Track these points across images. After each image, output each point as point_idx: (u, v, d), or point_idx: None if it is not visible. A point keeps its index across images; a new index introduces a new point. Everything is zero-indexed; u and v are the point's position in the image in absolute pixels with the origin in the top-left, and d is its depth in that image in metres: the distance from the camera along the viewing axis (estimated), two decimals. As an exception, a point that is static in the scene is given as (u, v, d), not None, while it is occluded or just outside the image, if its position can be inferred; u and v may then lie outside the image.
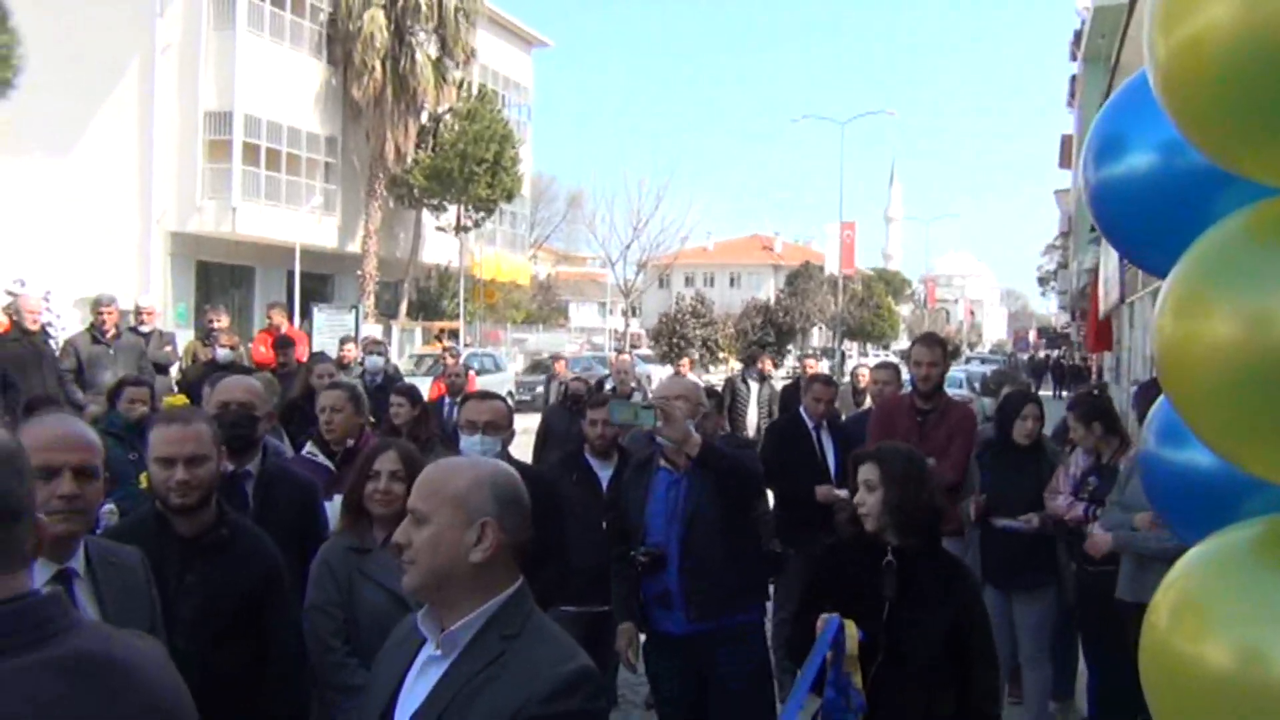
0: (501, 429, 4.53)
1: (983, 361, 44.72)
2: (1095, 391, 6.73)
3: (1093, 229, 8.95)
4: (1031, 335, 54.39)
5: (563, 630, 2.31)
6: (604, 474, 5.70)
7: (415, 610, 2.46)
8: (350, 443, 4.98)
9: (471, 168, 32.42)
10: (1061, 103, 44.03)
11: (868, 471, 3.56)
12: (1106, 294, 7.27)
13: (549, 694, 2.04)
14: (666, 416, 4.15)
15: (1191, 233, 1.47)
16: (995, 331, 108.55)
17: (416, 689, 2.19)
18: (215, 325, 10.61)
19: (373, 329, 25.33)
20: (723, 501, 4.32)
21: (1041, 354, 53.01)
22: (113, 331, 9.46)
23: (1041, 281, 58.04)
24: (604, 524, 4.94)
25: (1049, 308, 61.53)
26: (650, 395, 4.42)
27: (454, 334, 32.57)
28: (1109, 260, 6.90)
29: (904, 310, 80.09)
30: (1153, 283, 11.10)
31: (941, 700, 3.46)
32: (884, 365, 7.92)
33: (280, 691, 3.53)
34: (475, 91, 34.58)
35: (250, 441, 4.29)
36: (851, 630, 3.28)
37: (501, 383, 24.77)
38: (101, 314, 9.48)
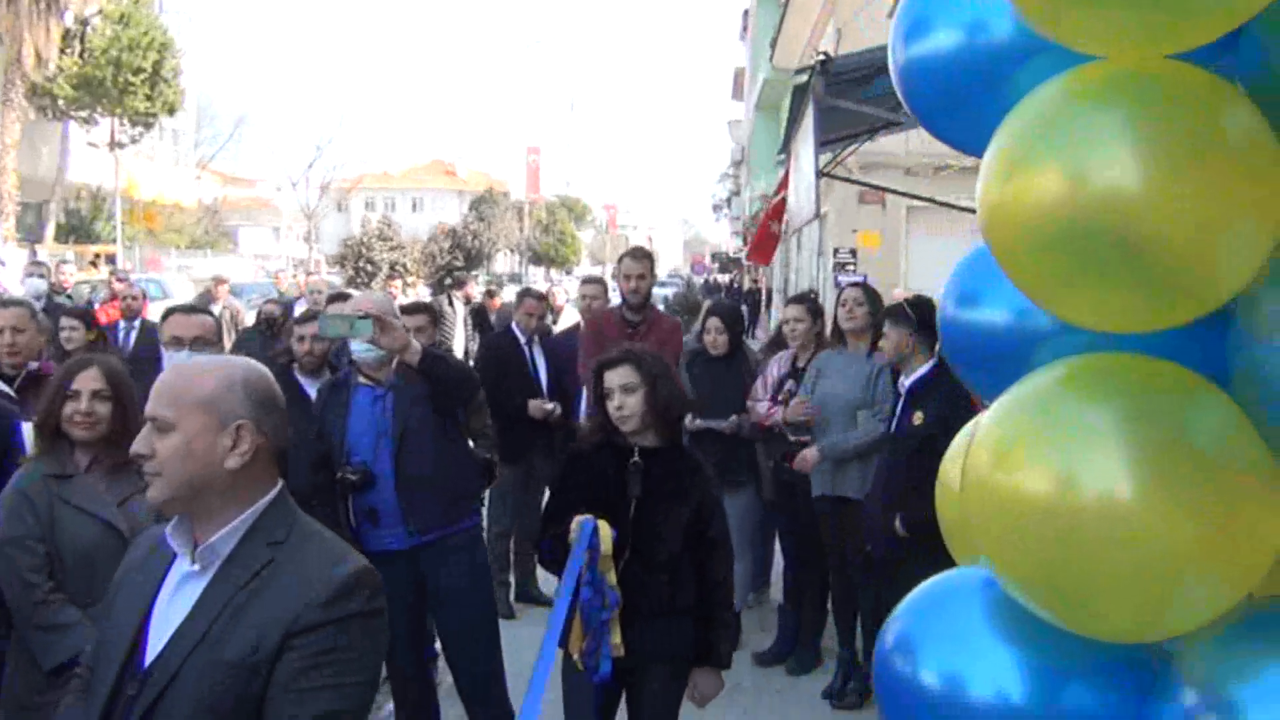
0: (211, 344, 4.25)
1: (661, 285, 46.52)
2: (813, 294, 7.18)
3: (781, 152, 9.42)
4: (706, 260, 57.11)
5: (332, 532, 2.22)
6: (314, 392, 5.47)
7: (130, 537, 2.27)
8: (34, 365, 4.49)
9: (127, 77, 29.58)
10: (735, 36, 45.92)
11: (624, 375, 3.59)
12: (799, 210, 7.75)
13: (328, 597, 1.96)
14: (384, 325, 4.02)
15: (996, 107, 1.60)
16: (672, 256, 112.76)
17: (173, 608, 2.04)
18: None
19: (16, 253, 22.76)
20: (433, 412, 4.28)
21: (714, 278, 55.83)
22: None
23: (715, 209, 60.82)
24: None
25: (722, 234, 64.72)
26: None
27: (110, 259, 29.86)
28: (801, 180, 7.36)
29: (586, 236, 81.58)
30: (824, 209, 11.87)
31: (684, 590, 3.62)
32: (591, 280, 8.05)
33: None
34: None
35: None
36: (605, 531, 3.35)
37: (170, 311, 22.99)
38: None
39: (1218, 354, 1.61)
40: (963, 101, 1.74)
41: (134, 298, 9.35)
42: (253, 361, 2.24)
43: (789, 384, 6.09)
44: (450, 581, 4.33)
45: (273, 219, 60.25)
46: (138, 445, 2.05)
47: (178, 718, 1.93)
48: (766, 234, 9.94)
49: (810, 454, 5.52)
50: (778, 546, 6.80)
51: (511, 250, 57.03)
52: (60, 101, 29.89)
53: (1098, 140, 1.47)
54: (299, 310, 10.35)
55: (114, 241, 32.06)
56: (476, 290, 16.76)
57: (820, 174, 7.22)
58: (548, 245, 62.90)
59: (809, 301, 6.39)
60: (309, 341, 5.53)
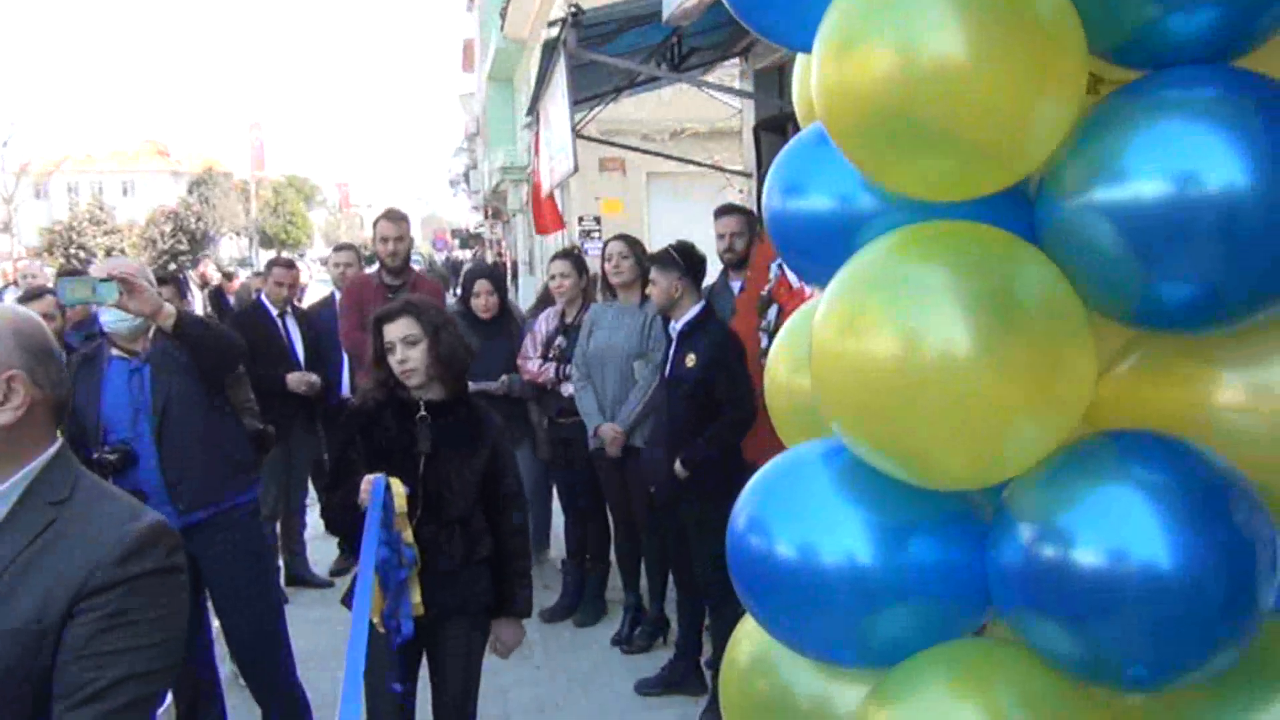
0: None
1: (402, 264, 45.34)
2: (576, 250, 7.19)
3: (529, 113, 9.35)
4: (448, 236, 56.23)
5: (121, 490, 2.06)
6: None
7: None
8: None
9: None
10: (462, 7, 45.22)
11: (405, 327, 3.49)
12: (553, 170, 7.72)
13: (122, 554, 1.83)
14: (131, 288, 3.72)
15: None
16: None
17: None
18: None
19: None
20: (197, 381, 4.02)
21: (454, 254, 55.14)
22: None
23: (452, 184, 59.88)
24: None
25: (460, 209, 63.89)
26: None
27: None
28: (554, 137, 7.34)
29: (318, 217, 78.62)
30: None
31: (480, 543, 3.57)
32: (342, 247, 7.81)
33: None
34: None
35: None
36: (398, 488, 3.25)
37: None
38: None
39: (1022, 222, 1.74)
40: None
41: None
42: (20, 307, 2.03)
43: (559, 340, 6.10)
44: (225, 561, 4.09)
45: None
46: None
47: None
48: (547, 203, 9.86)
49: (611, 432, 5.50)
50: (555, 505, 6.83)
51: (238, 233, 54.20)
52: None
53: (921, 16, 1.57)
54: (9, 298, 9.46)
55: None
56: (213, 272, 15.90)
57: (574, 131, 7.23)
58: (277, 227, 60.20)
59: (573, 257, 6.41)
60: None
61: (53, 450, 1.93)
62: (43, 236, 33.71)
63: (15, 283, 11.46)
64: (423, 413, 3.53)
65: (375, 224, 6.69)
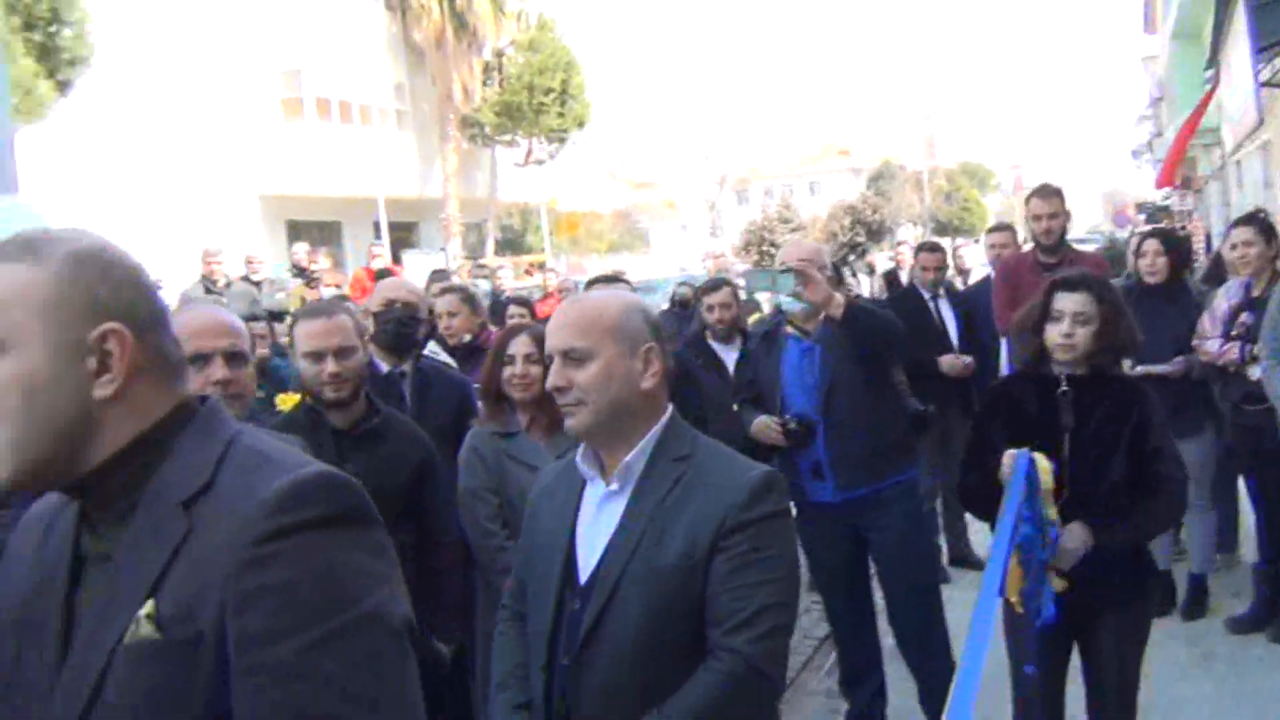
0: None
1: (1080, 243, 43.10)
2: (1262, 213, 6.33)
3: (1208, 68, 8.40)
4: (1130, 211, 52.28)
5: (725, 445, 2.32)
6: (729, 357, 5.59)
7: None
8: (466, 338, 5.26)
9: (540, 99, 32.08)
10: (1142, -38, 41.76)
11: (1080, 302, 3.30)
12: (1239, 121, 6.81)
13: (747, 499, 2.09)
14: (806, 279, 4.01)
15: None
16: (1090, 212, 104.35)
17: (597, 526, 2.20)
18: (313, 266, 10.78)
19: (418, 259, 25.44)
20: (861, 364, 4.17)
21: (1139, 231, 50.94)
22: (223, 280, 9.71)
23: (1134, 155, 55.61)
24: (734, 406, 4.81)
25: (1144, 181, 59.18)
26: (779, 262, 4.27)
27: (542, 267, 32.57)
28: (1236, 88, 6.48)
29: (993, 202, 77.86)
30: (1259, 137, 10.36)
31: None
32: (999, 227, 7.67)
33: (449, 576, 3.53)
34: (534, 21, 34.13)
35: (412, 341, 4.32)
36: (1043, 463, 3.10)
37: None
38: (210, 265, 9.79)
39: None
40: None
41: (567, 289, 10.46)
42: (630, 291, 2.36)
43: (1244, 316, 5.38)
44: (889, 533, 4.26)
45: (680, 217, 63.01)
46: (554, 380, 2.19)
47: (628, 621, 2.08)
48: (1178, 155, 8.93)
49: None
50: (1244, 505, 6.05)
51: (913, 223, 55.70)
52: (486, 129, 32.99)
53: None
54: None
55: (543, 251, 34.95)
56: (879, 259, 16.63)
57: (1261, 82, 6.32)
58: (951, 213, 60.75)
59: (1258, 221, 5.60)
60: (718, 310, 5.75)
61: (670, 413, 2.24)
62: (742, 236, 37.91)
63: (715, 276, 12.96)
64: (1064, 388, 3.35)
65: (1027, 201, 6.46)
